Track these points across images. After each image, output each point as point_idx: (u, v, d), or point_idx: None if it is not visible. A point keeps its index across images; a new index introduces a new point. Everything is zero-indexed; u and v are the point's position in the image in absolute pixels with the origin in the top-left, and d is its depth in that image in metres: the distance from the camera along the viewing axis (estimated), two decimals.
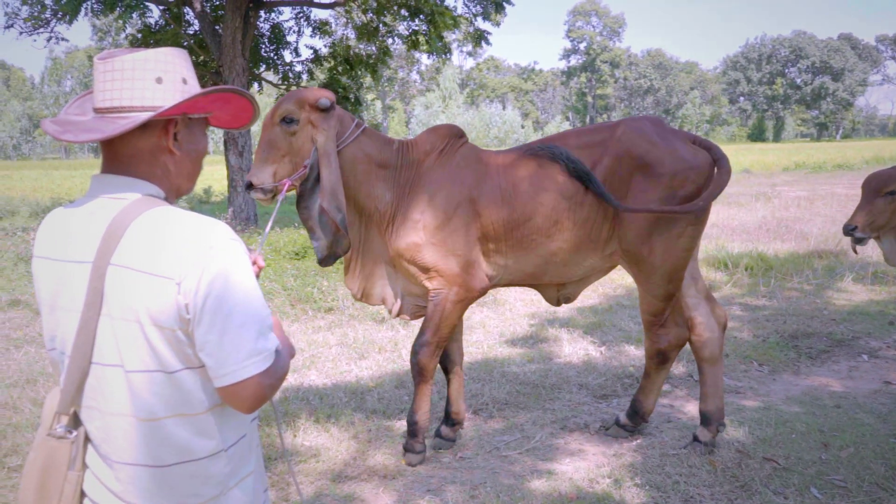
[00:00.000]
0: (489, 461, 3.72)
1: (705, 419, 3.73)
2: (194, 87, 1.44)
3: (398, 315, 3.73)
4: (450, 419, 3.91)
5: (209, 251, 1.31)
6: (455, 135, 3.60)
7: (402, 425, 4.11)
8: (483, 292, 3.56)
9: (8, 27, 12.86)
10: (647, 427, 4.03)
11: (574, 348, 5.56)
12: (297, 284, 7.43)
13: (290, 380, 5.00)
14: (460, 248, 3.43)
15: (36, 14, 12.77)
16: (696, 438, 3.73)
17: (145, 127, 1.39)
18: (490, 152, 3.68)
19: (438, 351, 3.64)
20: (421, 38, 12.47)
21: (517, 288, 6.40)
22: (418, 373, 3.63)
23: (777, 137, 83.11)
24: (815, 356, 5.34)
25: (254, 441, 1.54)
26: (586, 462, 3.66)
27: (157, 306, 1.30)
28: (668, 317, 3.66)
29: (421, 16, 12.74)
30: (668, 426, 4.09)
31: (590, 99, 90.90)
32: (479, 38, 13.92)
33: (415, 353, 3.61)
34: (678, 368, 5.04)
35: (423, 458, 3.67)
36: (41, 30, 13.24)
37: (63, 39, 13.98)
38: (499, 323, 6.44)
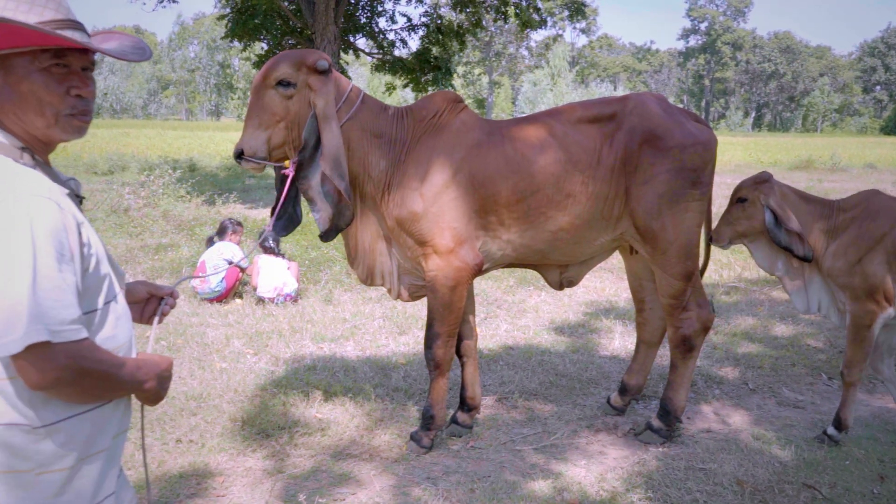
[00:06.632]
0: (500, 454, 3.50)
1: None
2: None
3: (398, 297, 3.56)
4: (465, 404, 3.72)
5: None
6: (453, 100, 3.39)
7: (419, 407, 3.96)
8: (478, 270, 3.33)
9: None
10: (682, 435, 3.69)
11: (624, 342, 5.21)
12: None
13: (325, 349, 4.95)
14: (456, 219, 3.23)
15: None
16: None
17: None
18: (494, 120, 3.49)
19: (452, 340, 3.45)
20: (510, 10, 12.06)
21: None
22: (434, 366, 3.47)
23: None
24: None
25: (98, 429, 1.36)
26: (602, 467, 3.38)
27: None
28: (689, 299, 3.50)
29: None
30: (705, 437, 3.72)
31: (707, 82, 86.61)
32: (578, 9, 13.37)
33: (427, 346, 3.44)
34: (733, 373, 4.62)
35: (426, 453, 3.47)
36: None
37: (173, 1, 14.50)
38: (553, 308, 6.15)
